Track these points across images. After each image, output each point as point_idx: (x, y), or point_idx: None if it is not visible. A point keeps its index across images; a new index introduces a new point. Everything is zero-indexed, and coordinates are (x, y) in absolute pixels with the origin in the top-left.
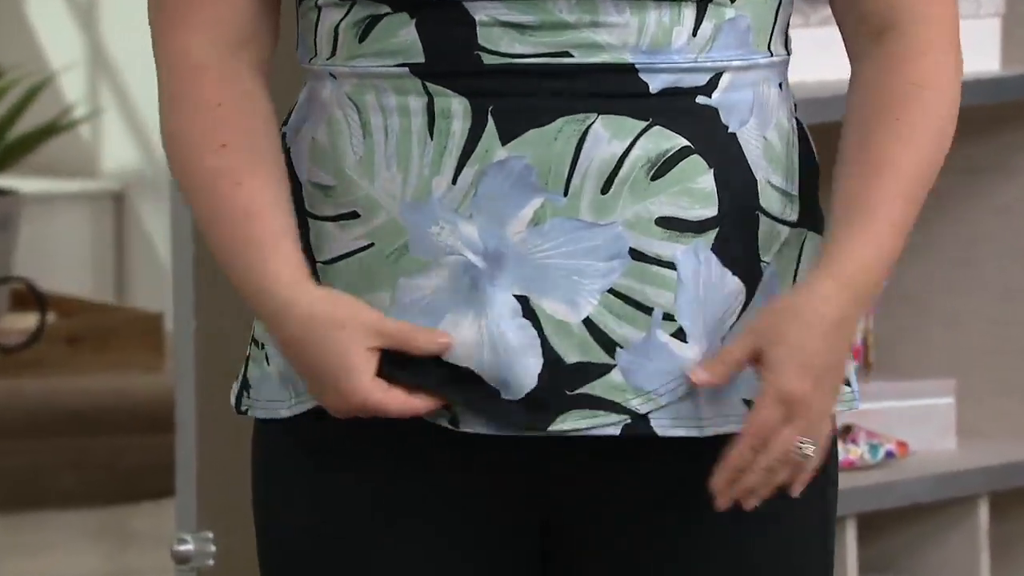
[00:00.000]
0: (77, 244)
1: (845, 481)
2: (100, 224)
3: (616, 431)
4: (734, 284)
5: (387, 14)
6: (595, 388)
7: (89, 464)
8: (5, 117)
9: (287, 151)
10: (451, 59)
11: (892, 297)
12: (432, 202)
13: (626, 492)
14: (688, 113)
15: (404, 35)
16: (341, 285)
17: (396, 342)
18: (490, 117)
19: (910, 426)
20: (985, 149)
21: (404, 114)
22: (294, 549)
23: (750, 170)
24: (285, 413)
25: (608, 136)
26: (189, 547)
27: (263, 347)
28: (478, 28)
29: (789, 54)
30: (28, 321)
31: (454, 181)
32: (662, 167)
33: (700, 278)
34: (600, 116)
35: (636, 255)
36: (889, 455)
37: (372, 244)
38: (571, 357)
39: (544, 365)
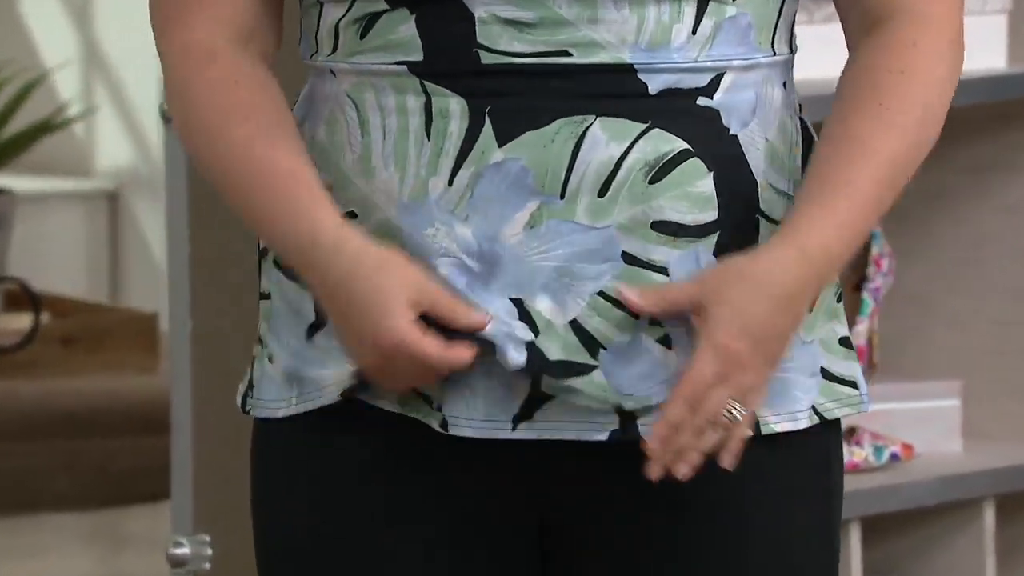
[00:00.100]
0: (71, 244)
1: (849, 483)
2: (94, 224)
3: (603, 436)
4: None
5: (386, 11)
6: (576, 382)
7: (83, 466)
8: None
9: None
10: (450, 56)
11: (897, 297)
12: (428, 203)
13: (626, 492)
14: (688, 115)
15: (404, 31)
16: None
17: (437, 306)
18: (487, 118)
19: (915, 428)
20: (991, 147)
21: (402, 113)
22: (293, 550)
23: (751, 173)
24: (282, 414)
25: (606, 138)
26: (185, 550)
27: (266, 346)
28: (477, 25)
29: (793, 52)
30: (22, 322)
31: (450, 182)
32: (661, 170)
33: None
34: (598, 118)
35: (628, 259)
36: (894, 457)
37: None
38: (553, 355)
39: (528, 359)
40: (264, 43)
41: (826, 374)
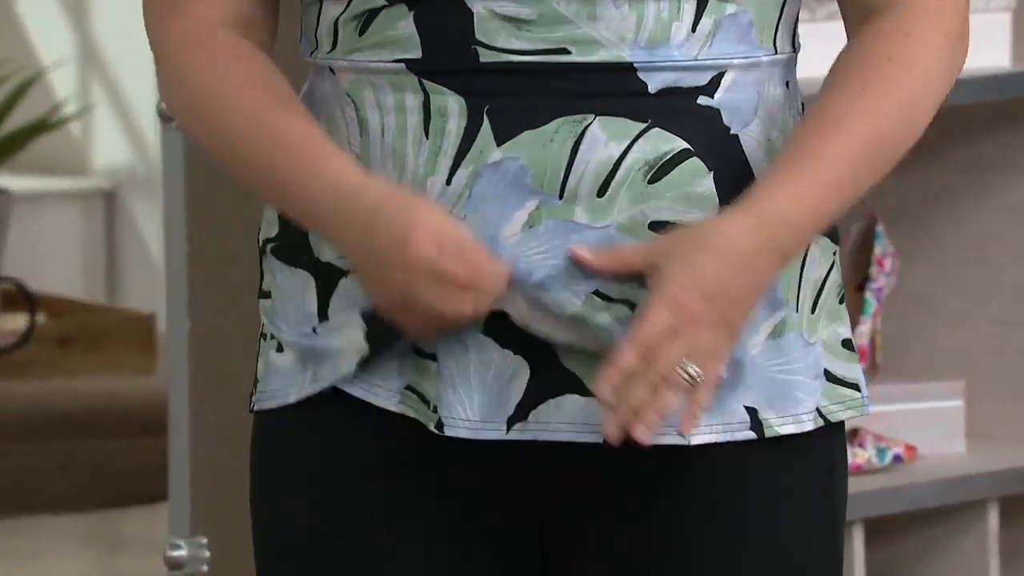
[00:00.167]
0: (68, 243)
1: (852, 485)
2: (91, 223)
3: (598, 439)
4: None
5: (384, 7)
6: (601, 317)
7: (80, 467)
8: None
9: None
10: (448, 53)
11: (900, 297)
12: None
13: (626, 492)
14: (688, 114)
15: (402, 28)
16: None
17: (457, 250)
18: (486, 117)
19: (918, 429)
20: (994, 146)
21: (400, 112)
22: (292, 550)
23: (752, 174)
24: (294, 397)
25: (605, 138)
26: (182, 552)
27: (272, 337)
28: (475, 21)
29: (796, 51)
30: (18, 322)
31: (448, 182)
32: (660, 170)
33: None
34: (597, 117)
35: None
36: (897, 459)
37: None
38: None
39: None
40: (261, 33)
41: (829, 376)
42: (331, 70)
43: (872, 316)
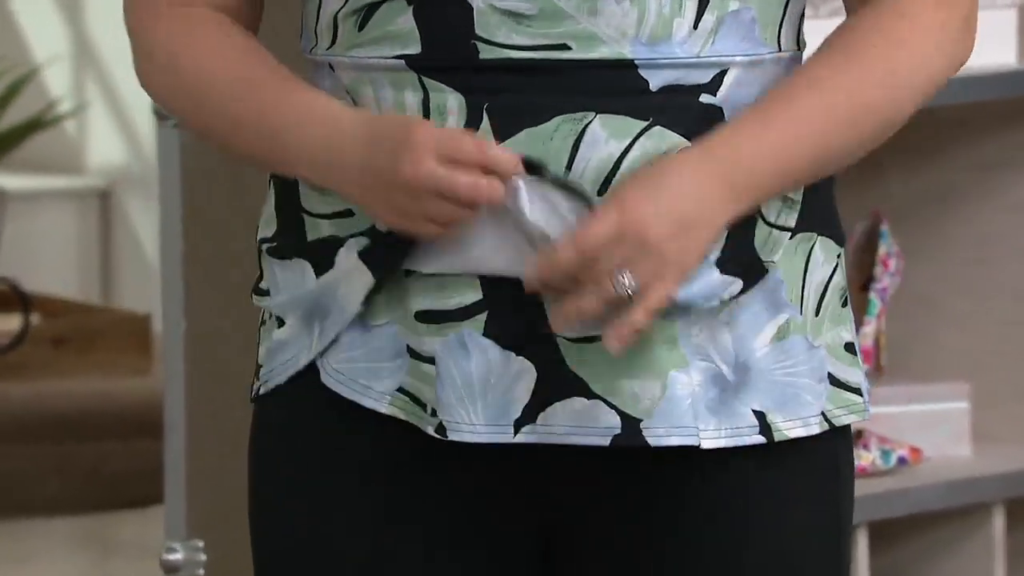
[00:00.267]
0: (62, 243)
1: (856, 487)
2: (86, 222)
3: (605, 442)
4: (723, 279)
5: (384, 1)
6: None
7: (74, 470)
8: None
9: None
10: (448, 49)
11: (903, 298)
12: None
13: (626, 492)
14: (690, 112)
15: (402, 23)
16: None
17: (460, 134)
18: (485, 115)
19: (923, 431)
20: (999, 145)
21: (400, 109)
22: (292, 550)
23: None
24: (304, 361)
25: (606, 136)
26: (178, 556)
27: (272, 318)
28: (475, 15)
29: (801, 49)
30: (11, 322)
31: None
32: None
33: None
34: (598, 115)
35: None
36: (901, 461)
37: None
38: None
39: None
40: (247, 21)
41: (833, 380)
42: (330, 67)
43: (876, 317)
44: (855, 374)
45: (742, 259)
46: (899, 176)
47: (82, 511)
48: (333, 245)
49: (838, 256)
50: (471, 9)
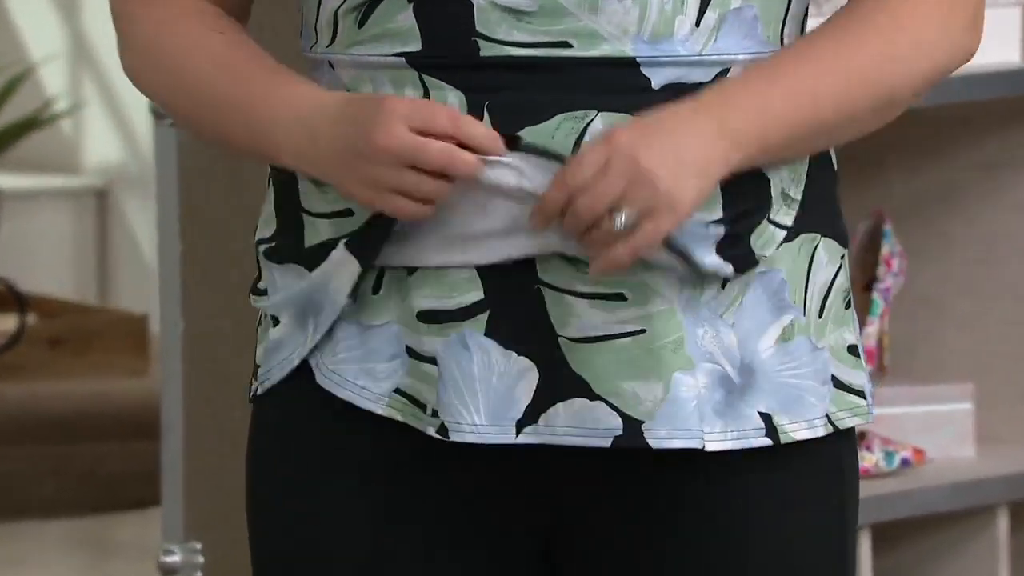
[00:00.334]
0: (59, 243)
1: (859, 489)
2: (82, 222)
3: (606, 443)
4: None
5: None
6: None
7: (71, 471)
8: None
9: None
10: (448, 46)
11: (907, 298)
12: None
13: (626, 492)
14: None
15: (402, 20)
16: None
17: (432, 104)
18: (486, 112)
19: (927, 432)
20: (1003, 144)
21: None
22: (291, 550)
23: (758, 171)
24: (298, 357)
25: None
26: (176, 558)
27: (266, 316)
28: (475, 12)
29: None
30: (8, 323)
31: None
32: None
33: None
34: (600, 113)
35: None
36: (905, 463)
37: None
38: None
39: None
40: (236, 12)
41: (836, 383)
42: (330, 65)
43: (879, 317)
44: (858, 376)
45: (736, 247)
46: (902, 175)
47: (79, 513)
48: (330, 249)
49: (842, 257)
50: (471, 6)
